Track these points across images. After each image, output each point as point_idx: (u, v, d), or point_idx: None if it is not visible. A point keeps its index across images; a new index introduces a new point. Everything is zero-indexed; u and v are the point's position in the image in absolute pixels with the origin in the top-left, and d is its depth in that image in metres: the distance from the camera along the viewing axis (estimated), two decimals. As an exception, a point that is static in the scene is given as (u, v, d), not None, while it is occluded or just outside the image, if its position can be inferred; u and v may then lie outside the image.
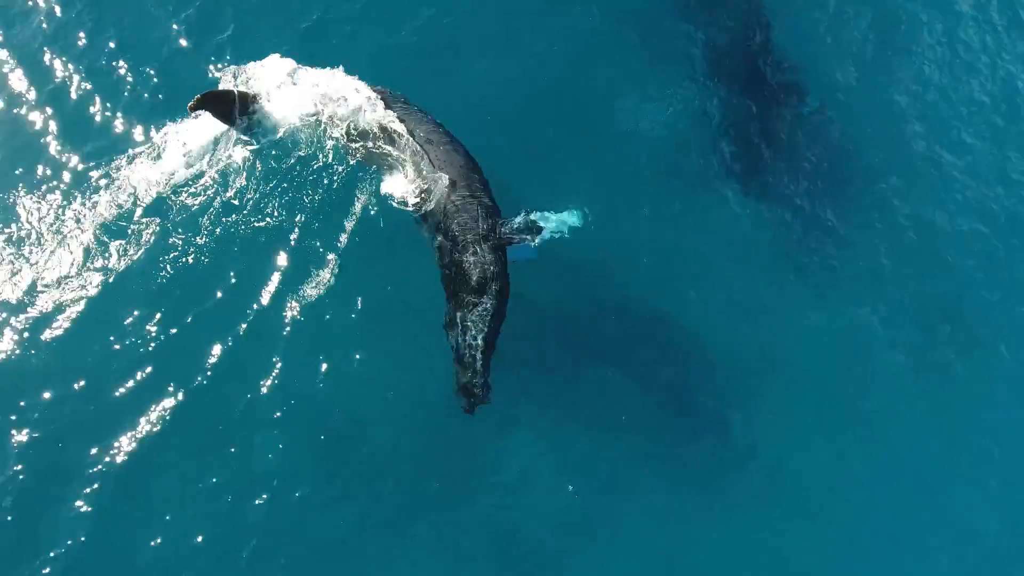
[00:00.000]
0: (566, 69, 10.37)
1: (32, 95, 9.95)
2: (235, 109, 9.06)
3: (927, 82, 11.10)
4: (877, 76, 11.14)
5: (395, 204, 8.88)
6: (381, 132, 8.90)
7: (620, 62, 10.56)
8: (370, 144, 8.96)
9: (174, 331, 8.74)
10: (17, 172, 9.50)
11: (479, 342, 7.88)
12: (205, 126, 9.30)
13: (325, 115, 9.06)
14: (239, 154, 9.29)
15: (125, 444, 8.27)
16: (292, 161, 9.29)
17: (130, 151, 9.54)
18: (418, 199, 8.68)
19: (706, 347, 9.34)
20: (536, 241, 8.06)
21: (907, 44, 11.34)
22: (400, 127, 8.77)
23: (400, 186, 8.90)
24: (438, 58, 10.30)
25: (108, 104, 9.89)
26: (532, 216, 8.13)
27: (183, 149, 9.33)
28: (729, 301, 9.59)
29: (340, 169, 9.24)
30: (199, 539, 7.99)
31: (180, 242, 9.06)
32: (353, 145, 9.03)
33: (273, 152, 9.32)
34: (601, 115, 10.21)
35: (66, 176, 9.46)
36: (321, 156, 9.26)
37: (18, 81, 10.02)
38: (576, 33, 10.64)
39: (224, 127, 9.20)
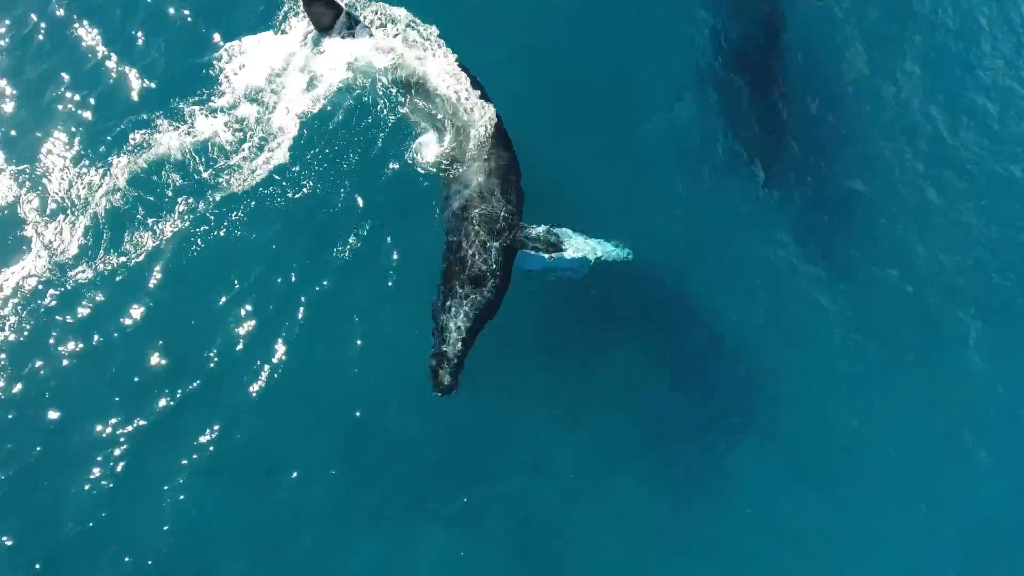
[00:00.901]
0: (594, 76, 10.37)
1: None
2: (339, 22, 9.49)
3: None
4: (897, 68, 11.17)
5: (430, 160, 9.00)
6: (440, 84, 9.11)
7: (644, 69, 10.56)
8: (429, 91, 9.18)
9: (206, 303, 8.90)
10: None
11: (462, 333, 8.02)
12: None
13: (402, 55, 9.35)
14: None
15: (145, 420, 8.44)
16: (339, 115, 9.48)
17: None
18: (455, 150, 8.79)
19: (727, 343, 9.52)
20: (552, 256, 8.10)
21: (927, 43, 11.36)
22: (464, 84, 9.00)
23: (435, 146, 9.09)
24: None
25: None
26: (556, 231, 8.16)
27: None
28: (751, 300, 9.71)
29: (380, 130, 9.45)
30: (218, 522, 8.25)
31: (213, 211, 9.14)
32: (414, 92, 9.25)
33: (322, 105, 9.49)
34: (621, 115, 10.22)
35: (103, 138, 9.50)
36: (369, 109, 9.46)
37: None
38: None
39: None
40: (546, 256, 8.19)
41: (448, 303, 8.15)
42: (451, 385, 7.93)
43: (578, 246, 8.14)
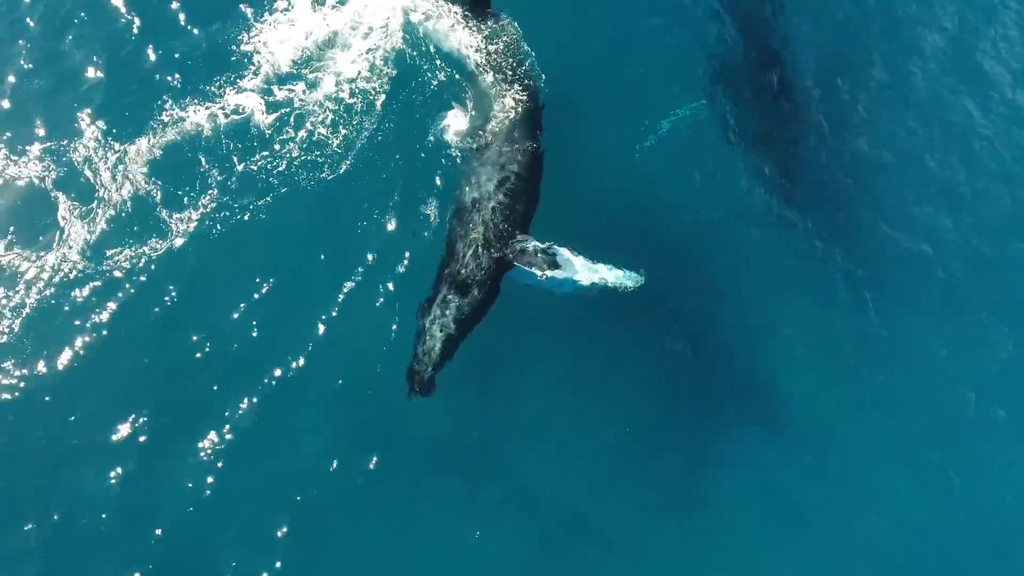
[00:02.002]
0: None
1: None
2: None
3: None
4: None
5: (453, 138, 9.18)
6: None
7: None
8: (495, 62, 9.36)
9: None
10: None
11: (441, 339, 7.96)
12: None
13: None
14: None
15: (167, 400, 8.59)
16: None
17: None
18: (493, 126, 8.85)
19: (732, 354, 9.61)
20: (544, 275, 7.88)
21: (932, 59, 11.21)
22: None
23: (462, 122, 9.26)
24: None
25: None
26: (556, 250, 7.91)
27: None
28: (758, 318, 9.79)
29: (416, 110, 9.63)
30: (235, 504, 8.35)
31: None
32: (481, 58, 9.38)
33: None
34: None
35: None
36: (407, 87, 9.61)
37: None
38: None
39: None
40: (538, 274, 7.97)
41: (432, 306, 8.11)
42: (425, 389, 7.90)
43: (578, 269, 7.89)
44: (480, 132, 9.03)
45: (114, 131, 9.47)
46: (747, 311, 9.82)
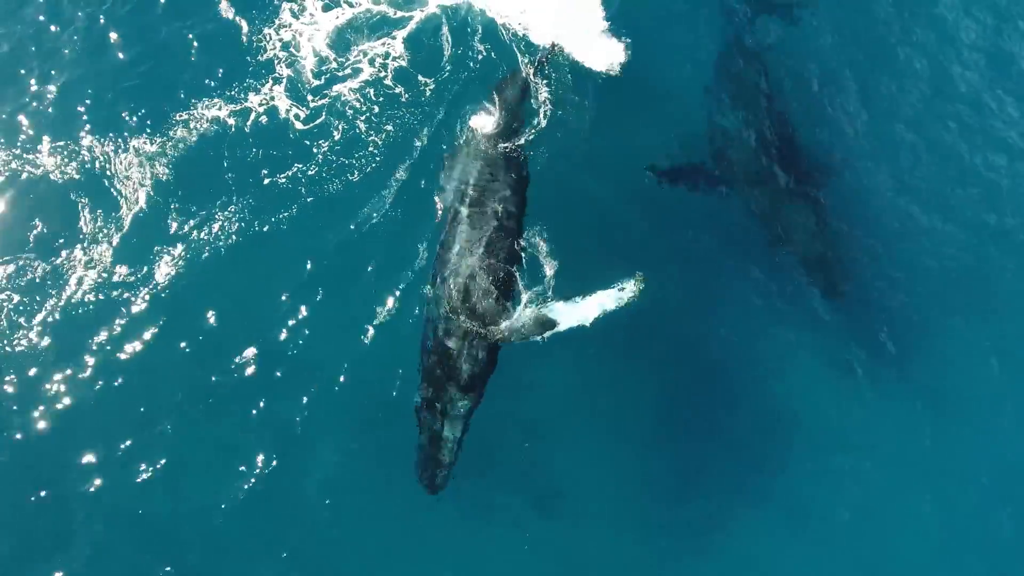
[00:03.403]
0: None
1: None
2: None
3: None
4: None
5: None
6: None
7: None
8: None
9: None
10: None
11: (457, 441, 7.73)
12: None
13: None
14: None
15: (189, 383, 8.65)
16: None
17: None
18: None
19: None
20: (545, 338, 7.59)
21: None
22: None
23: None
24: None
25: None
26: (545, 311, 7.52)
27: None
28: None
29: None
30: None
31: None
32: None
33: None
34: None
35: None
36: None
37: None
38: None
39: None
40: (539, 339, 7.66)
41: (437, 409, 7.79)
42: (443, 486, 7.80)
43: (577, 313, 7.55)
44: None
45: (140, 130, 9.51)
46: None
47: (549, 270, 8.11)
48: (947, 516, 9.24)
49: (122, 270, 8.85)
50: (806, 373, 9.62)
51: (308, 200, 9.29)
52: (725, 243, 9.91)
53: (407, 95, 9.76)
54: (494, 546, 8.48)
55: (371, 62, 9.80)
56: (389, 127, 9.61)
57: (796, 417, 9.44)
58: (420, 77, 9.80)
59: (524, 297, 7.89)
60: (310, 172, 9.41)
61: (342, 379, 8.64)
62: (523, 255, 8.26)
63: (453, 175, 8.77)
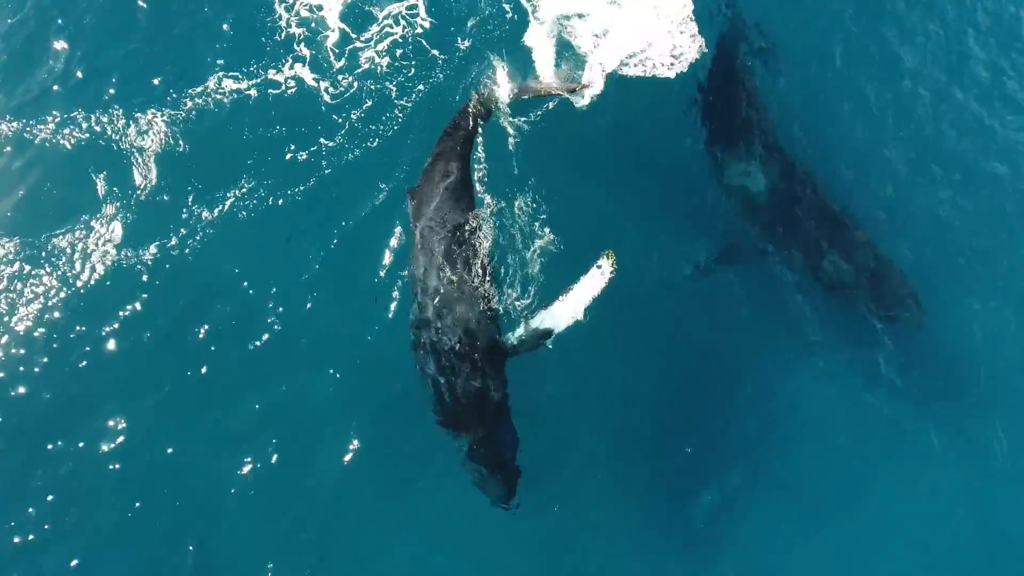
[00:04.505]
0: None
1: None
2: None
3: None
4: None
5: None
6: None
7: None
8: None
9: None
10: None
11: (510, 463, 7.43)
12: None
13: None
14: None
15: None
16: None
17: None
18: None
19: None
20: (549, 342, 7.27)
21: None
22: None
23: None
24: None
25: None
26: (534, 321, 7.24)
27: None
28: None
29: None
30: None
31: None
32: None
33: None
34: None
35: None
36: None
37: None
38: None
39: None
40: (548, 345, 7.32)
41: (477, 452, 7.41)
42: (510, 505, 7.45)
43: (568, 311, 7.18)
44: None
45: (156, 103, 9.07)
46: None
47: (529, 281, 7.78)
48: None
49: (133, 244, 8.34)
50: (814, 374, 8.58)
51: (330, 172, 8.67)
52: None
53: (438, 54, 9.08)
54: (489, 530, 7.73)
55: (396, 21, 9.15)
56: (421, 87, 8.93)
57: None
58: (450, 31, 9.09)
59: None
60: (336, 143, 8.77)
61: (366, 357, 8.01)
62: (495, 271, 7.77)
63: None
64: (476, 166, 8.20)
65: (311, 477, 7.71)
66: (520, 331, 7.24)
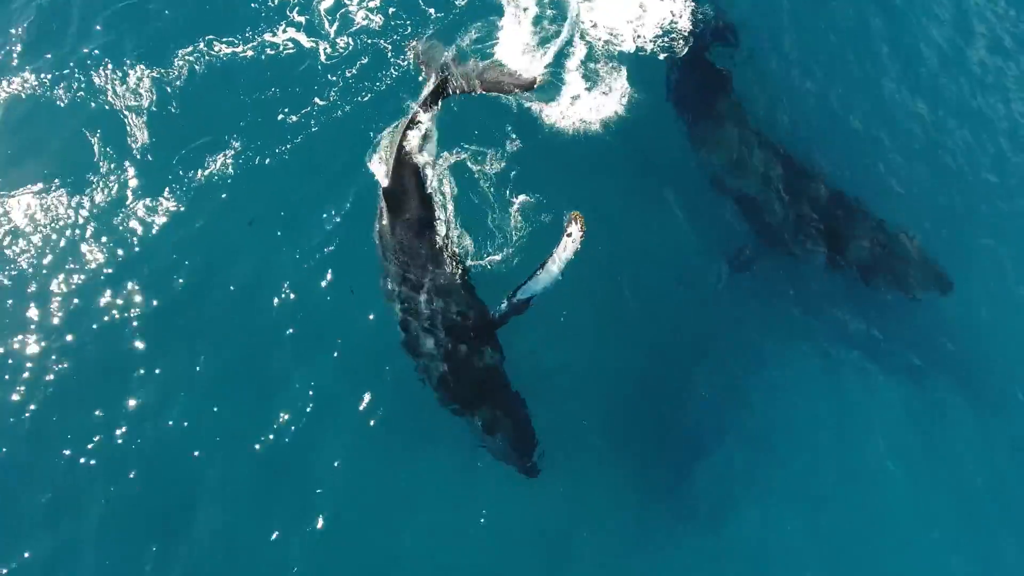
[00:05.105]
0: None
1: None
2: None
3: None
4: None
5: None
6: None
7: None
8: None
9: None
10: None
11: (526, 432, 7.44)
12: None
13: None
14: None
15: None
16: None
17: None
18: None
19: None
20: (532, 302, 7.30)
21: None
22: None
23: None
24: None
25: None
26: (518, 295, 7.28)
27: None
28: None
29: None
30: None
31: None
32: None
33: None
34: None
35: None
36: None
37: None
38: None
39: None
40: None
41: (494, 425, 7.41)
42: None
43: (544, 281, 7.25)
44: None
45: (147, 62, 8.94)
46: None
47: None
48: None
49: (120, 205, 8.19)
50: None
51: (320, 130, 8.53)
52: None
53: (433, 12, 8.92)
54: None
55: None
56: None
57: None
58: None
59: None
60: (330, 101, 8.63)
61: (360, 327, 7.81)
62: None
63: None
64: (454, 150, 8.15)
65: (314, 454, 7.55)
66: (504, 305, 7.36)
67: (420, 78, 8.48)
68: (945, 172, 9.19)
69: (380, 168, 7.81)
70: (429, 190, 7.75)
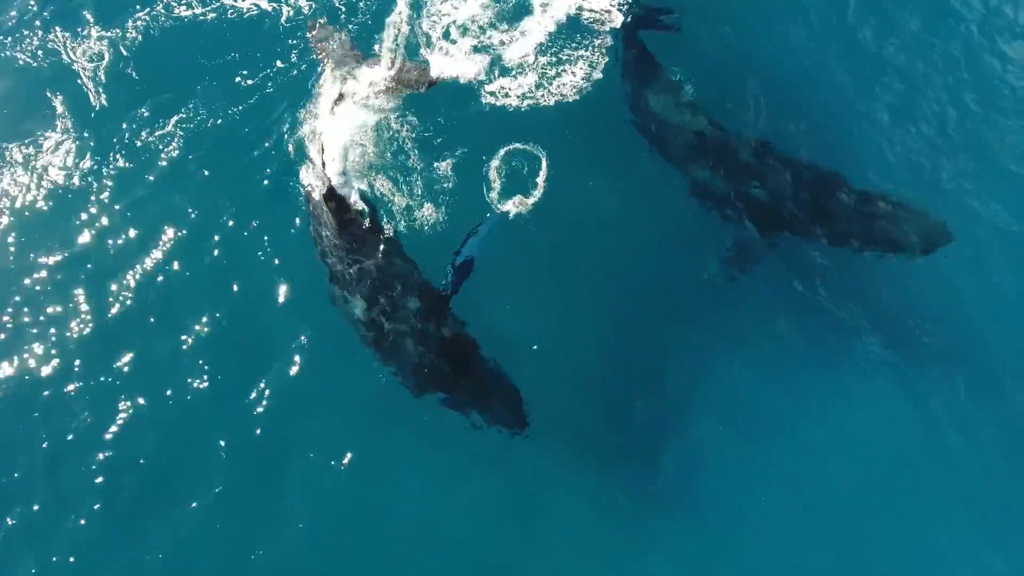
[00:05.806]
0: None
1: None
2: None
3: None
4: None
5: None
6: None
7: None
8: None
9: None
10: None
11: (508, 392, 7.31)
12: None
13: None
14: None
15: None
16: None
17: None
18: None
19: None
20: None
21: None
22: None
23: None
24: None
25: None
26: (457, 261, 7.34)
27: None
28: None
29: None
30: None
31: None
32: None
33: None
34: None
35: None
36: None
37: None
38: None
39: None
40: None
41: (477, 393, 7.32)
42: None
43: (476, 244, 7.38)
44: None
45: (102, 23, 8.88)
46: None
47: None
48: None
49: (77, 168, 8.19)
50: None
51: (273, 91, 8.40)
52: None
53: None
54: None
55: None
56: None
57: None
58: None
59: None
60: (290, 63, 8.50)
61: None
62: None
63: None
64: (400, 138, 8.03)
65: (292, 437, 7.48)
66: (449, 275, 7.38)
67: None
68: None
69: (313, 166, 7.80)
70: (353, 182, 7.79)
